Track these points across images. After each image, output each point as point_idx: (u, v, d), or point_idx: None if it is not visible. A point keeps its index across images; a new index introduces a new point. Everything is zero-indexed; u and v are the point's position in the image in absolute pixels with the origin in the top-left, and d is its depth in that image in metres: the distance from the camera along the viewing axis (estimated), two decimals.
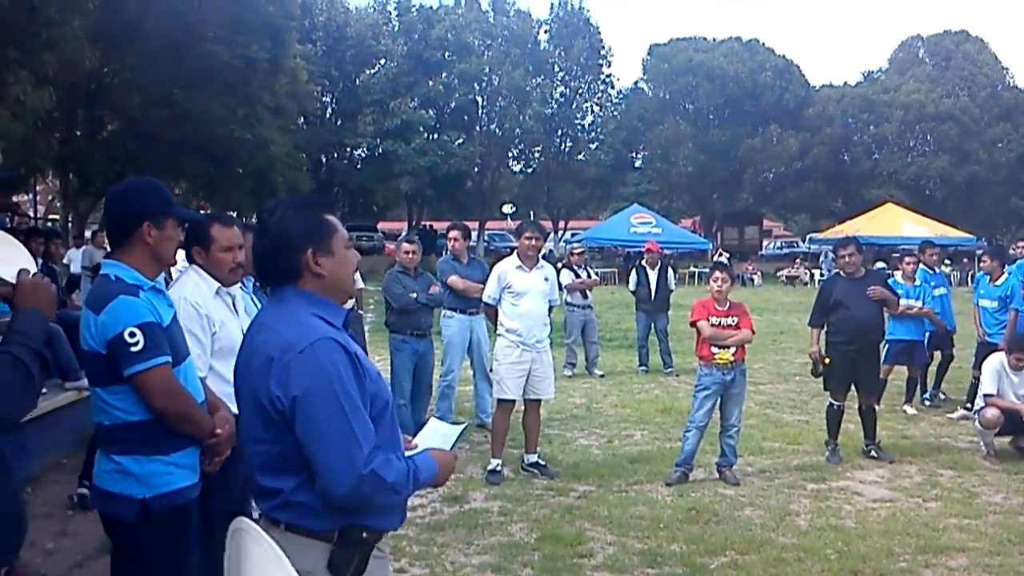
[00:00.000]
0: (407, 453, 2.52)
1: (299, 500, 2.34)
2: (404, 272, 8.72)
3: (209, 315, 3.94)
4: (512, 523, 6.31)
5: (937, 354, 11.00)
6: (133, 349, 3.07)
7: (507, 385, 7.42)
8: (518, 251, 7.65)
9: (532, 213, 58.93)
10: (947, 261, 10.54)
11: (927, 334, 10.66)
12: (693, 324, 7.42)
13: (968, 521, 6.41)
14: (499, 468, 7.44)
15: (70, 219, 28.90)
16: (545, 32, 49.52)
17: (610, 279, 32.67)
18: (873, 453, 8.20)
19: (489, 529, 6.19)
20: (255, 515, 2.51)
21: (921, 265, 11.00)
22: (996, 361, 8.46)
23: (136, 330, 3.08)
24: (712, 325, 7.32)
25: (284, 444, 2.33)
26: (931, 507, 6.80)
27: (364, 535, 2.42)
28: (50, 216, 38.45)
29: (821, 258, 37.95)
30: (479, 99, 46.54)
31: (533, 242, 7.59)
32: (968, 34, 57.53)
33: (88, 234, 23.18)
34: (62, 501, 6.41)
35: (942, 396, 10.93)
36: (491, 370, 8.22)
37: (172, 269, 5.08)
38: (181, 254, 3.98)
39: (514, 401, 7.54)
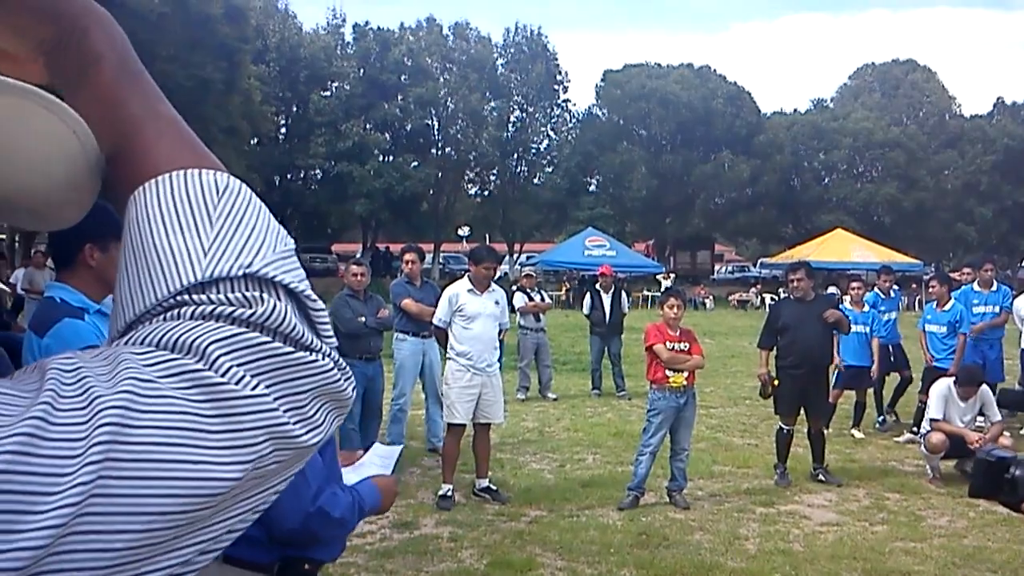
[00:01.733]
0: (351, 477, 2.50)
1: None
2: (353, 295, 8.63)
3: None
4: (462, 549, 6.28)
5: (888, 378, 11.14)
6: None
7: (457, 409, 7.40)
8: (471, 276, 7.65)
9: (488, 236, 58.97)
10: (895, 286, 10.64)
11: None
12: (649, 348, 7.43)
13: (914, 544, 6.50)
14: (450, 493, 7.40)
15: (16, 239, 28.43)
16: (502, 57, 49.73)
17: (564, 302, 32.77)
18: (821, 477, 8.28)
19: (439, 555, 6.16)
20: None
21: (875, 289, 11.19)
22: (943, 386, 8.58)
23: None
24: (668, 349, 7.36)
25: None
26: (878, 531, 6.88)
27: (306, 567, 2.40)
28: None
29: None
30: (435, 122, 46.57)
31: (491, 272, 7.65)
32: (916, 63, 58.81)
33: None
34: None
35: (894, 418, 11.05)
36: (442, 394, 8.20)
37: None
38: None
39: (464, 425, 7.52)
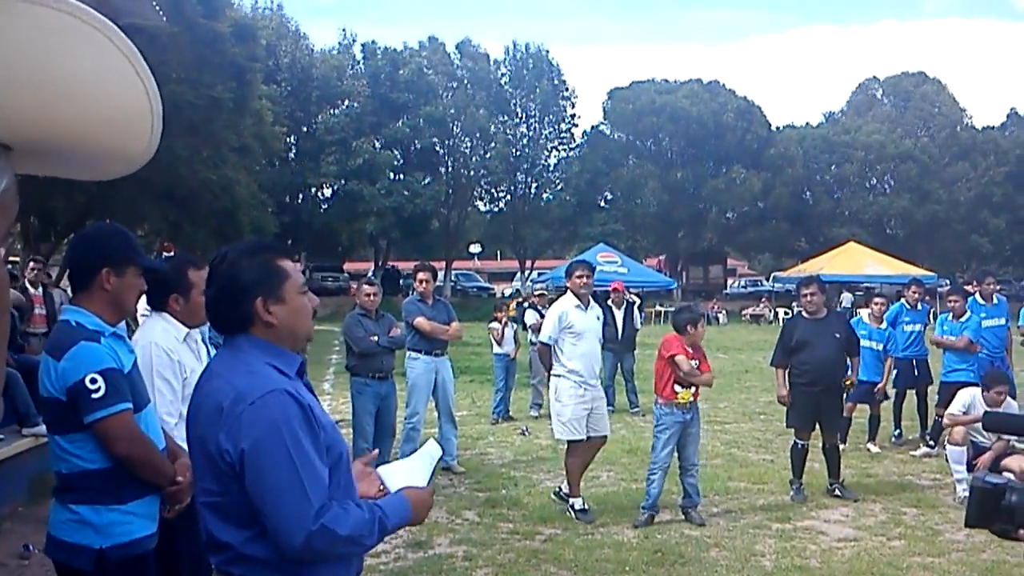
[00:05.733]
0: (389, 481, 2.47)
1: (251, 553, 2.29)
2: (365, 314, 8.63)
3: (181, 361, 3.88)
4: (477, 568, 6.26)
5: (900, 393, 11.06)
6: (95, 396, 3.04)
7: (575, 426, 7.48)
8: (572, 290, 7.65)
9: (499, 253, 58.97)
10: (925, 300, 10.57)
11: (896, 373, 10.71)
12: (671, 358, 7.29)
13: (931, 559, 6.45)
14: (583, 505, 7.49)
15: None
16: (503, 74, 49.72)
17: None
18: (837, 492, 8.23)
19: (454, 574, 6.13)
20: None
21: (902, 300, 11.14)
22: (969, 394, 8.38)
23: (97, 376, 3.05)
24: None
25: (234, 496, 2.27)
26: (895, 545, 6.83)
27: None
28: (10, 259, 37.95)
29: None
30: (444, 140, 46.60)
31: (585, 279, 7.68)
32: (926, 75, 58.68)
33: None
34: (17, 550, 6.28)
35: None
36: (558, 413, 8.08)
37: (137, 316, 5.00)
38: (142, 301, 3.93)
39: (584, 441, 7.55)
